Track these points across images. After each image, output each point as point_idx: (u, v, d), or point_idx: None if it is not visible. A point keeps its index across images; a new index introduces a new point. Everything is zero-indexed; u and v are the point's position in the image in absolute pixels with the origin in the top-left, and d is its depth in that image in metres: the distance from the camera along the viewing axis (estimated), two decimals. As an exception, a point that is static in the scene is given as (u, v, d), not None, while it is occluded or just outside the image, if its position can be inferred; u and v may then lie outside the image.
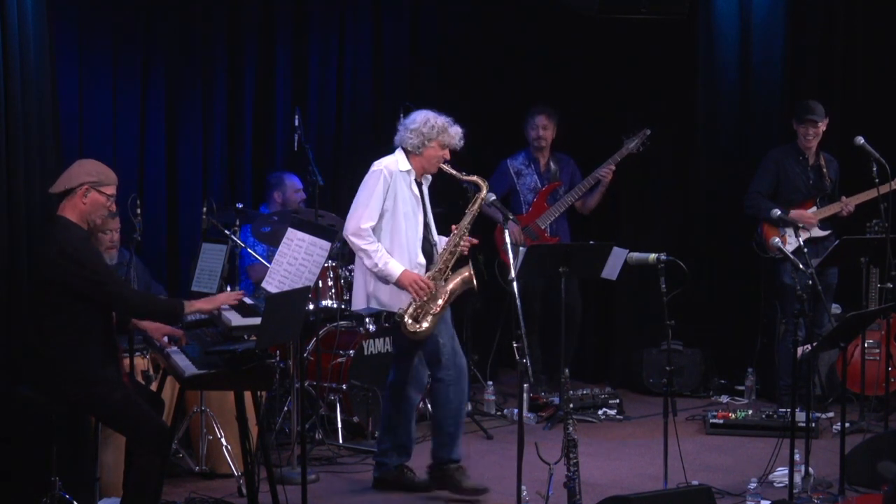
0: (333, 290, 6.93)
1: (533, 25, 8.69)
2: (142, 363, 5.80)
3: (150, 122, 7.28)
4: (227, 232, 6.37)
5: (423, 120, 5.85)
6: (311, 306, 6.34)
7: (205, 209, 6.42)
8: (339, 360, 6.84)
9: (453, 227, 5.86)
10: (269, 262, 5.74)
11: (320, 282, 6.72)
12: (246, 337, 4.93)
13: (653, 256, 5.72)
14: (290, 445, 6.26)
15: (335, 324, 6.98)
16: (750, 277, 8.04)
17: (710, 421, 7.11)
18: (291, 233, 5.21)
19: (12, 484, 5.33)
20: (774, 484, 5.89)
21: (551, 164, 7.98)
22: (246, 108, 7.73)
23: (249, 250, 6.80)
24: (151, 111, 7.28)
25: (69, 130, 6.65)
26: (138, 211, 5.63)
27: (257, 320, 4.78)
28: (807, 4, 8.18)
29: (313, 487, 5.90)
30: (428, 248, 5.87)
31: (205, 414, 6.04)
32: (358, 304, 5.87)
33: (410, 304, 5.69)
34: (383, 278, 5.70)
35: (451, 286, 5.79)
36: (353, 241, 5.70)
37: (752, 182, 7.66)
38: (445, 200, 6.51)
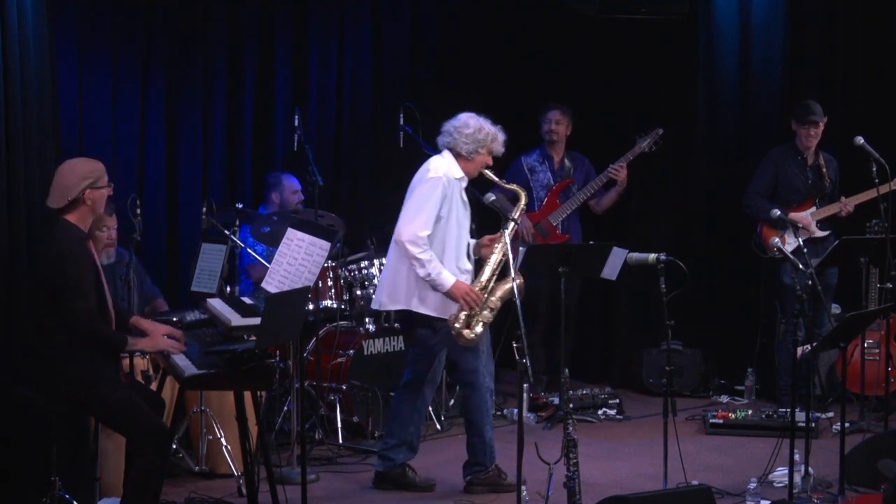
0: (333, 290, 6.93)
1: (533, 25, 8.69)
2: (142, 363, 5.80)
3: (150, 122, 7.28)
4: (226, 232, 6.37)
5: (476, 126, 5.84)
6: (311, 306, 6.34)
7: (204, 209, 6.42)
8: (339, 360, 6.84)
9: (486, 238, 5.89)
10: (269, 262, 5.74)
11: (320, 282, 6.71)
12: (246, 337, 4.93)
13: (653, 256, 5.72)
14: (290, 445, 6.26)
15: (335, 324, 6.98)
16: (750, 277, 8.04)
17: (710, 421, 7.11)
18: (291, 233, 5.21)
19: (12, 484, 5.33)
20: (774, 484, 5.89)
21: (566, 161, 7.98)
22: (246, 108, 7.73)
23: (249, 250, 6.80)
24: (151, 111, 7.28)
25: (69, 130, 6.65)
26: (138, 211, 5.64)
27: (257, 320, 4.78)
28: (807, 4, 8.18)
29: (313, 487, 5.90)
30: (476, 254, 5.92)
31: (205, 414, 6.04)
32: (396, 302, 5.81)
33: (460, 312, 5.69)
34: (434, 287, 5.68)
35: (499, 294, 5.81)
36: (409, 248, 5.63)
37: (751, 182, 7.66)
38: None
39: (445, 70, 8.63)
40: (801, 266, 5.68)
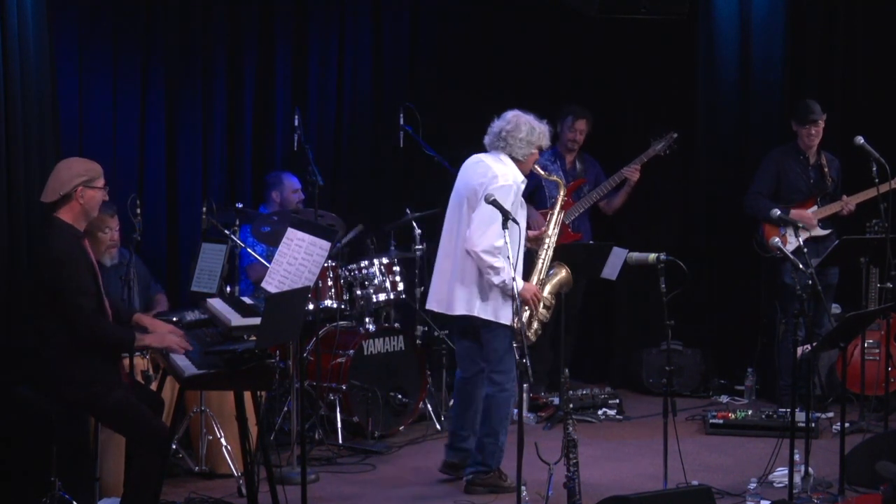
0: (333, 290, 6.92)
1: (533, 25, 8.68)
2: (141, 363, 5.80)
3: (150, 122, 7.28)
4: (226, 232, 6.37)
5: (528, 128, 5.88)
6: (311, 306, 6.34)
7: (204, 209, 6.42)
8: (339, 360, 6.84)
9: (530, 232, 5.95)
10: (269, 262, 5.74)
11: (320, 282, 6.71)
12: (246, 337, 4.93)
13: (653, 256, 5.72)
14: (290, 445, 6.25)
15: (335, 324, 6.97)
16: (750, 277, 8.04)
17: (710, 421, 7.11)
18: (291, 233, 5.21)
19: (12, 484, 5.33)
20: (774, 484, 5.89)
21: (577, 163, 7.99)
22: (246, 108, 7.73)
23: (249, 250, 6.80)
24: (151, 111, 7.28)
25: (69, 130, 6.65)
26: (138, 211, 5.64)
27: (257, 320, 4.78)
28: (807, 4, 8.18)
29: (313, 487, 5.90)
30: (527, 248, 5.97)
31: (204, 414, 6.05)
32: (458, 309, 5.80)
33: (526, 313, 5.77)
34: (506, 292, 5.67)
35: (548, 290, 5.90)
36: (485, 258, 5.62)
37: (753, 182, 7.67)
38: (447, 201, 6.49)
39: (445, 70, 8.63)
40: (801, 266, 5.68)
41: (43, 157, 5.50)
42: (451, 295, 5.84)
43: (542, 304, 5.84)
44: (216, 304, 5.36)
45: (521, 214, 5.84)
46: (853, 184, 7.39)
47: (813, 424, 6.38)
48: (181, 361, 4.90)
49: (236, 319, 4.98)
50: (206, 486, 5.95)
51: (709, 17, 8.30)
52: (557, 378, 5.70)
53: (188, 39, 7.40)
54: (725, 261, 8.29)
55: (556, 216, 6.12)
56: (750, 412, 7.20)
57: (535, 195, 7.97)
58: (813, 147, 7.53)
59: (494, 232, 5.56)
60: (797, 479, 5.61)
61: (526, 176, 5.92)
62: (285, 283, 5.06)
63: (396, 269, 7.12)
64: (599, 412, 7.57)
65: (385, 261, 7.08)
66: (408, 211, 7.43)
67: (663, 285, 5.60)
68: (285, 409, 6.62)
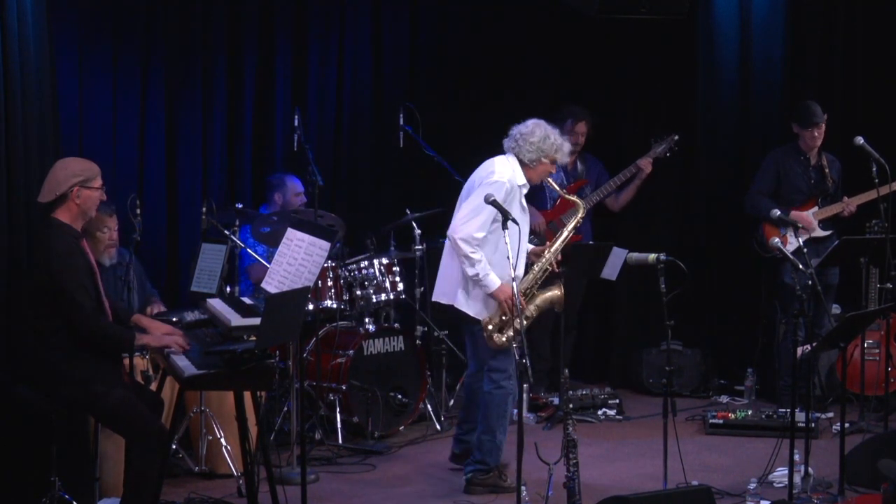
0: (333, 291, 6.92)
1: (533, 25, 8.68)
2: (141, 363, 5.80)
3: (150, 122, 7.27)
4: (226, 232, 6.36)
5: (542, 135, 5.89)
6: (311, 306, 6.34)
7: (204, 209, 6.42)
8: (339, 360, 6.84)
9: (539, 248, 6.00)
10: (269, 263, 5.74)
11: (320, 282, 6.72)
12: (245, 337, 4.93)
13: (653, 256, 5.72)
14: (290, 445, 6.26)
15: (335, 324, 6.97)
16: (750, 277, 8.04)
17: (710, 421, 7.11)
18: (291, 233, 5.21)
19: (12, 484, 5.33)
20: (774, 484, 5.89)
21: (578, 163, 7.98)
22: (246, 108, 7.73)
23: (249, 250, 6.80)
24: (151, 111, 7.28)
25: (69, 130, 6.64)
26: (138, 211, 5.64)
27: (257, 320, 4.78)
28: (807, 4, 8.17)
29: (313, 487, 5.91)
30: (528, 261, 5.97)
31: (204, 414, 6.05)
32: (447, 297, 5.92)
33: (497, 315, 5.79)
34: (481, 286, 5.76)
35: (537, 302, 5.90)
36: (461, 245, 5.71)
37: (753, 182, 7.67)
38: (446, 202, 6.50)
39: (445, 70, 8.63)
40: (801, 266, 5.68)
41: (43, 157, 5.49)
42: (439, 283, 5.98)
43: (524, 315, 5.76)
44: (216, 304, 5.36)
45: (523, 218, 5.85)
46: (853, 184, 7.39)
47: (813, 424, 6.38)
48: (181, 361, 4.90)
49: (236, 320, 4.98)
50: (206, 486, 5.95)
51: (709, 17, 8.29)
52: (557, 378, 5.71)
53: (188, 39, 7.39)
54: (725, 261, 8.29)
55: (563, 236, 6.05)
56: (750, 412, 7.19)
57: (536, 196, 7.96)
58: (815, 148, 7.53)
59: (477, 223, 5.68)
60: (797, 479, 5.61)
61: (535, 185, 5.94)
62: (285, 283, 5.06)
63: (396, 269, 7.12)
64: (599, 412, 7.57)
65: (385, 261, 7.08)
66: (408, 211, 7.43)
67: (663, 285, 5.61)
68: (285, 409, 6.61)
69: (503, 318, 5.80)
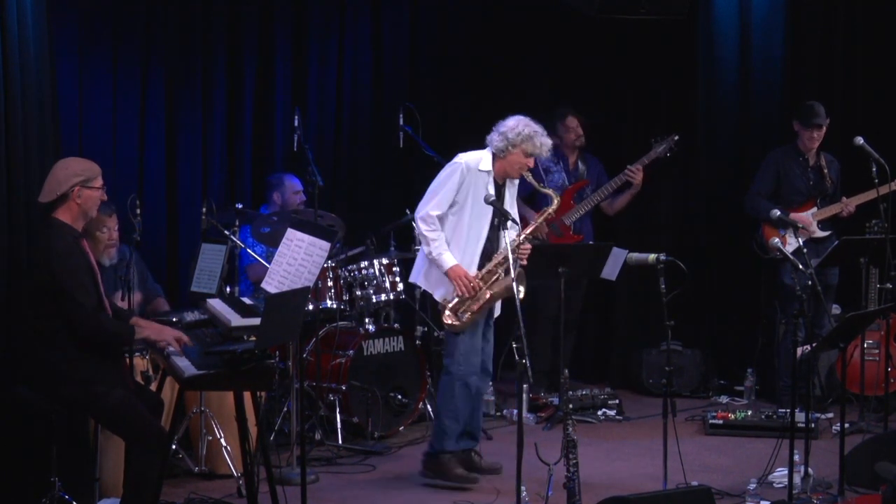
0: (333, 291, 6.92)
1: (533, 25, 8.68)
2: (141, 363, 5.80)
3: (150, 122, 7.28)
4: (226, 232, 6.37)
5: (512, 125, 5.96)
6: (311, 306, 6.34)
7: (204, 209, 6.42)
8: (339, 360, 6.84)
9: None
10: (269, 263, 5.74)
11: (320, 282, 6.71)
12: (245, 337, 4.93)
13: (653, 256, 5.72)
14: (290, 446, 6.25)
15: (335, 324, 6.97)
16: (750, 278, 8.05)
17: (710, 421, 7.11)
18: (291, 233, 5.21)
19: (12, 484, 5.33)
20: (774, 484, 5.89)
21: (579, 163, 7.99)
22: (246, 108, 7.73)
23: (249, 251, 6.80)
24: (151, 111, 7.28)
25: (69, 130, 6.65)
26: (138, 211, 5.64)
27: (257, 320, 4.78)
28: (807, 4, 8.18)
29: (313, 488, 5.90)
30: (490, 249, 5.99)
31: (204, 414, 6.05)
32: (414, 277, 6.17)
33: (455, 298, 5.89)
34: (437, 266, 5.92)
35: (493, 290, 5.90)
36: (419, 224, 5.94)
37: (753, 183, 7.67)
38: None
39: (445, 70, 8.63)
40: (801, 266, 5.68)
41: (43, 157, 5.49)
42: (416, 263, 6.19)
43: (478, 301, 5.87)
44: (216, 304, 5.36)
45: (486, 209, 5.87)
46: (853, 185, 7.39)
47: (813, 425, 6.38)
48: (181, 362, 4.89)
49: (236, 320, 4.98)
50: (205, 487, 5.95)
51: (709, 17, 8.30)
52: (557, 378, 5.71)
53: (188, 39, 7.40)
54: (725, 261, 8.29)
55: (535, 224, 6.08)
56: (750, 412, 7.20)
57: (537, 196, 7.97)
58: (813, 149, 7.53)
59: (434, 202, 5.89)
60: (797, 479, 5.61)
61: (504, 178, 5.99)
62: (285, 283, 5.06)
63: (396, 269, 7.12)
64: (599, 412, 7.57)
65: (385, 261, 7.08)
66: (407, 211, 7.42)
67: (663, 286, 5.61)
68: (285, 409, 6.61)
69: (458, 298, 5.87)
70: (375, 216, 7.87)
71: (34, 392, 4.92)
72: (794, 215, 7.36)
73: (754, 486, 5.82)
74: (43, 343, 4.85)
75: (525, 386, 6.30)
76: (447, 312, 5.91)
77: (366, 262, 7.03)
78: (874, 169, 6.62)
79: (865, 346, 7.05)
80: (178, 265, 7.35)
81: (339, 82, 8.16)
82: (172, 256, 7.40)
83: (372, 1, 8.30)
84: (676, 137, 7.74)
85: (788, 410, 5.81)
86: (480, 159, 5.94)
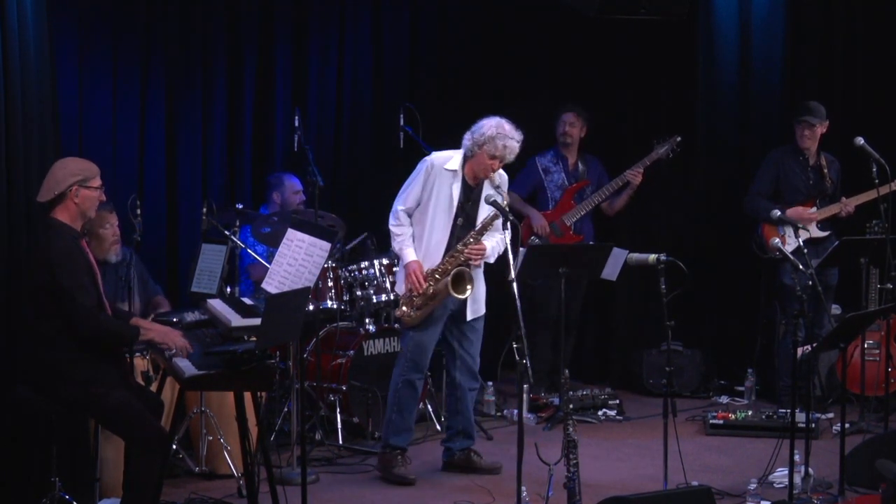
0: (333, 291, 6.92)
1: (533, 25, 8.68)
2: (142, 364, 5.80)
3: (150, 122, 7.27)
4: (226, 232, 6.36)
5: (479, 126, 6.00)
6: (311, 307, 6.34)
7: (204, 210, 6.42)
8: (339, 360, 6.84)
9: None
10: (269, 263, 5.74)
11: (320, 282, 6.71)
12: (246, 337, 4.93)
13: (653, 257, 5.72)
14: (290, 446, 6.25)
15: (335, 324, 6.97)
16: (750, 278, 8.04)
17: (710, 421, 7.11)
18: (291, 233, 5.20)
19: (12, 484, 5.33)
20: (774, 484, 5.89)
21: (579, 163, 8.00)
22: (246, 108, 7.72)
23: (249, 251, 6.80)
24: (151, 111, 7.28)
25: (69, 130, 6.64)
26: (138, 211, 5.64)
27: (257, 321, 4.78)
28: (807, 5, 8.17)
29: (313, 488, 5.90)
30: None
31: (204, 415, 6.05)
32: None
33: (406, 290, 6.01)
34: (400, 259, 6.09)
35: (438, 287, 5.96)
36: (389, 221, 6.06)
37: (753, 183, 7.67)
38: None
39: (445, 70, 8.63)
40: (801, 266, 5.68)
41: (43, 157, 5.49)
42: None
43: (424, 296, 5.95)
44: (216, 304, 5.36)
45: (448, 207, 5.94)
46: (853, 185, 7.39)
47: (813, 425, 6.38)
48: (181, 362, 4.90)
49: (236, 320, 4.98)
50: (206, 487, 5.95)
51: (709, 17, 8.30)
52: (557, 378, 5.72)
53: (188, 39, 7.39)
54: (725, 261, 8.28)
55: (483, 224, 5.97)
56: (750, 413, 7.20)
57: (537, 196, 7.98)
58: (810, 148, 7.53)
59: (401, 198, 6.03)
60: (797, 479, 5.61)
61: (477, 179, 6.00)
62: (285, 283, 5.06)
63: (396, 269, 7.11)
64: (599, 413, 7.57)
65: (385, 261, 7.07)
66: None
67: (663, 286, 5.61)
68: (285, 409, 6.61)
69: (411, 293, 5.97)
70: (375, 216, 7.86)
71: (34, 392, 4.92)
72: (792, 210, 7.35)
73: (754, 486, 5.82)
74: (43, 343, 4.85)
75: (525, 386, 6.31)
76: (401, 307, 6.05)
77: (366, 263, 7.03)
78: (874, 169, 6.62)
79: (866, 346, 7.06)
80: (178, 265, 7.34)
81: (339, 82, 8.16)
82: (172, 256, 7.40)
83: (372, 1, 8.30)
84: (679, 139, 7.75)
85: (789, 410, 5.81)
86: (449, 158, 6.01)
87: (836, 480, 5.75)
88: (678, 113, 8.41)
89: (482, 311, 6.17)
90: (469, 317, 6.10)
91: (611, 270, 6.18)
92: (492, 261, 6.10)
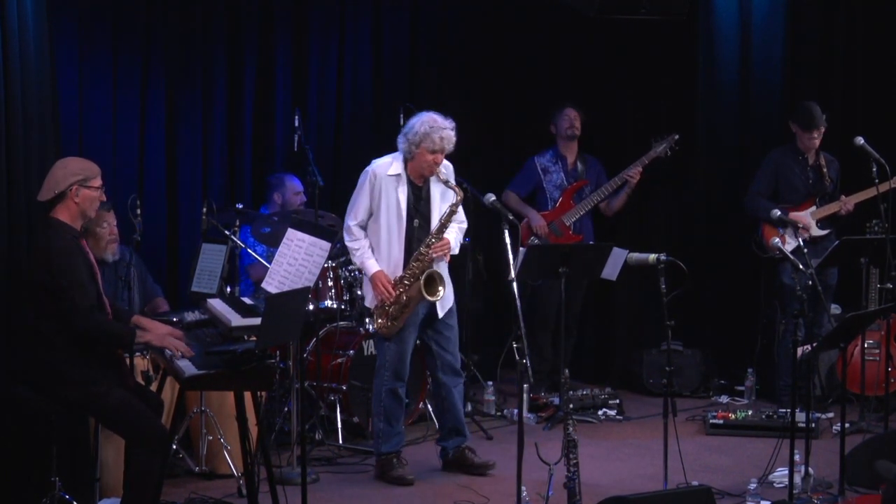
0: (333, 291, 6.92)
1: (533, 25, 8.68)
2: (142, 363, 5.80)
3: (150, 122, 7.27)
4: (226, 232, 6.36)
5: (410, 126, 6.00)
6: (311, 306, 6.34)
7: (204, 209, 6.41)
8: (339, 360, 6.84)
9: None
10: (269, 263, 5.74)
11: (320, 282, 6.72)
12: (246, 337, 4.93)
13: (653, 257, 5.72)
14: (290, 446, 6.26)
15: (335, 324, 6.97)
16: (750, 277, 8.04)
17: (710, 421, 7.11)
18: (291, 233, 5.21)
19: (12, 484, 5.33)
20: (774, 484, 5.89)
21: (578, 163, 8.00)
22: (246, 109, 7.72)
23: (249, 251, 6.80)
24: (151, 111, 7.27)
25: (69, 130, 6.64)
26: (138, 211, 5.64)
27: (257, 321, 4.78)
28: (807, 4, 8.17)
29: (313, 488, 5.91)
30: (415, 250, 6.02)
31: (205, 414, 6.05)
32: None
33: (378, 301, 6.01)
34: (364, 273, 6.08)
35: (409, 294, 5.98)
36: (344, 236, 6.07)
37: (752, 183, 7.67)
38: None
39: (445, 70, 8.63)
40: (801, 266, 5.68)
41: (43, 157, 5.49)
42: None
43: (397, 304, 5.95)
44: (216, 304, 5.36)
45: (398, 213, 5.95)
46: (852, 184, 7.39)
47: (813, 425, 6.38)
48: (181, 362, 4.90)
49: (236, 320, 4.98)
50: (206, 487, 5.95)
51: (709, 17, 8.30)
52: (558, 378, 5.71)
53: (188, 39, 7.39)
54: (725, 261, 8.28)
55: (442, 221, 5.99)
56: (750, 412, 7.20)
57: (537, 196, 7.98)
58: (812, 149, 7.53)
59: (350, 213, 6.04)
60: (797, 479, 5.61)
61: (423, 178, 6.01)
62: (285, 283, 5.06)
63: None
64: (599, 412, 7.57)
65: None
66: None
67: (663, 286, 5.61)
68: (285, 409, 6.61)
69: (384, 304, 5.97)
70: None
71: (34, 392, 4.92)
72: (792, 215, 7.36)
73: (755, 485, 5.82)
74: (43, 343, 4.85)
75: (525, 386, 6.32)
76: (377, 318, 6.02)
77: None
78: (874, 169, 6.62)
79: (866, 346, 7.05)
80: (178, 265, 7.34)
81: (339, 82, 8.15)
82: (172, 256, 7.40)
83: (372, 1, 8.30)
84: (676, 137, 7.75)
85: (789, 410, 5.81)
86: (390, 164, 6.01)
87: (836, 480, 5.75)
88: (678, 113, 8.41)
89: (451, 304, 6.16)
90: (441, 314, 6.10)
91: (611, 270, 6.17)
92: (456, 251, 6.13)
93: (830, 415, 7.22)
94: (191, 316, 5.45)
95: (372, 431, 6.77)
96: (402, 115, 7.31)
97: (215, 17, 7.52)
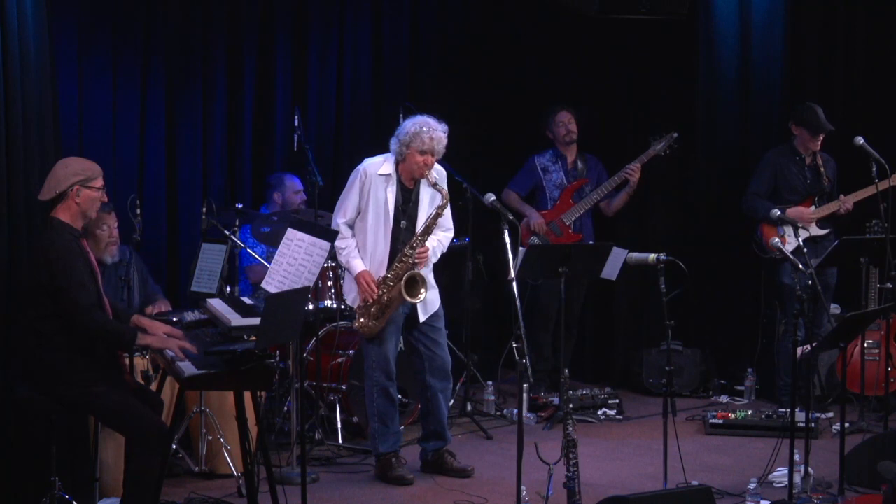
0: (333, 291, 6.92)
1: (533, 25, 8.69)
2: (141, 363, 5.80)
3: (150, 122, 7.27)
4: (226, 232, 6.37)
5: (402, 128, 6.01)
6: (311, 306, 6.34)
7: (204, 209, 6.42)
8: (339, 360, 6.84)
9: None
10: (269, 263, 5.74)
11: (320, 282, 6.72)
12: (246, 337, 4.93)
13: (652, 256, 5.72)
14: (290, 445, 6.26)
15: (335, 324, 6.97)
16: (750, 277, 8.04)
17: (710, 421, 7.11)
18: (291, 233, 5.21)
19: (12, 484, 5.33)
20: (774, 484, 5.89)
21: (578, 162, 8.00)
22: (246, 108, 7.72)
23: (249, 251, 6.80)
24: (151, 111, 7.28)
25: (69, 131, 6.64)
26: (138, 211, 5.65)
27: (257, 320, 4.78)
28: (807, 4, 8.17)
29: (313, 487, 5.91)
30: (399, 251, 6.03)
31: (204, 414, 6.05)
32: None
33: (362, 300, 6.00)
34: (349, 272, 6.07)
35: (394, 293, 5.98)
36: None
37: (750, 183, 7.67)
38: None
39: (445, 70, 8.63)
40: (800, 266, 5.68)
41: (43, 157, 5.49)
42: None
43: (379, 304, 5.95)
44: (216, 304, 5.36)
45: (385, 213, 5.95)
46: (851, 184, 7.39)
47: (813, 424, 6.39)
48: (181, 362, 4.90)
49: (236, 320, 4.98)
50: (206, 486, 5.95)
51: (709, 16, 8.29)
52: (557, 378, 5.71)
53: (188, 39, 7.39)
54: (725, 261, 8.28)
55: (427, 224, 5.99)
56: (750, 412, 7.20)
57: (536, 196, 7.98)
58: (814, 150, 7.53)
59: (339, 211, 6.03)
60: (797, 479, 5.61)
61: (414, 180, 6.01)
62: (285, 283, 5.06)
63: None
64: (599, 412, 7.57)
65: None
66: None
67: (663, 285, 5.61)
68: (285, 409, 6.62)
69: (366, 304, 5.96)
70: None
71: (34, 392, 4.92)
72: (792, 210, 7.35)
73: (754, 485, 5.81)
74: (43, 343, 4.86)
75: (525, 386, 6.32)
76: (359, 318, 6.02)
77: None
78: (874, 169, 6.62)
79: (865, 346, 7.06)
80: (178, 265, 7.34)
81: (339, 82, 8.15)
82: (172, 256, 7.40)
83: (372, 1, 8.30)
84: (675, 135, 7.75)
85: (788, 410, 5.81)
86: (381, 164, 6.01)
87: (835, 480, 5.75)
88: (678, 112, 8.40)
89: (435, 308, 6.15)
90: (422, 318, 6.09)
91: (611, 270, 6.18)
92: (434, 260, 6.11)
93: (830, 415, 7.22)
94: (191, 316, 5.46)
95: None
96: (401, 115, 7.31)
97: (215, 17, 7.52)
